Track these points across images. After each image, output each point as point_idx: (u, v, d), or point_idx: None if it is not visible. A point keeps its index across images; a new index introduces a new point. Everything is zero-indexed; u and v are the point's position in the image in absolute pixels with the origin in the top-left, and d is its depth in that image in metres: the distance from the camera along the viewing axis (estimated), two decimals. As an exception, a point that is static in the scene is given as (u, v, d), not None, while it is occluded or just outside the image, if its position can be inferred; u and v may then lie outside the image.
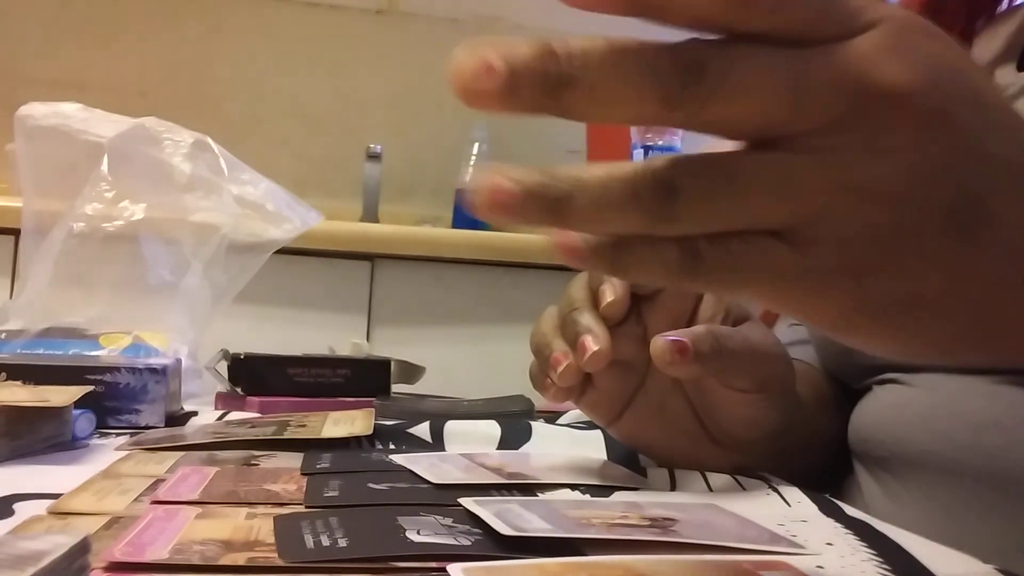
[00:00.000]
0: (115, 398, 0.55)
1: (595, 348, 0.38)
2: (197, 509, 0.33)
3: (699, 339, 0.38)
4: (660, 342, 0.37)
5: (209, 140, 0.87)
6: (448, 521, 0.32)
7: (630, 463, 0.46)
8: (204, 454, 0.45)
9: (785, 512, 0.37)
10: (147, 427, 0.55)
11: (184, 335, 0.76)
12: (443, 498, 0.35)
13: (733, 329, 0.41)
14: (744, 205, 0.22)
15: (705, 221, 0.23)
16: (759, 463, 0.44)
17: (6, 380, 0.53)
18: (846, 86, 0.22)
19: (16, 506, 0.34)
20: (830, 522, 0.35)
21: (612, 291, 0.39)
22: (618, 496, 0.39)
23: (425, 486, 0.38)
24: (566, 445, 0.51)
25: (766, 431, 0.43)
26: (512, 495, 0.37)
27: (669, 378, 0.43)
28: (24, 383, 0.51)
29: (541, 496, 0.38)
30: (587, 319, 0.39)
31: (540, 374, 0.42)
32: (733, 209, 0.22)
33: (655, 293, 0.43)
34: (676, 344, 0.37)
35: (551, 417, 0.63)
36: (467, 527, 0.31)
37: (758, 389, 0.42)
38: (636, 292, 0.42)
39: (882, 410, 0.49)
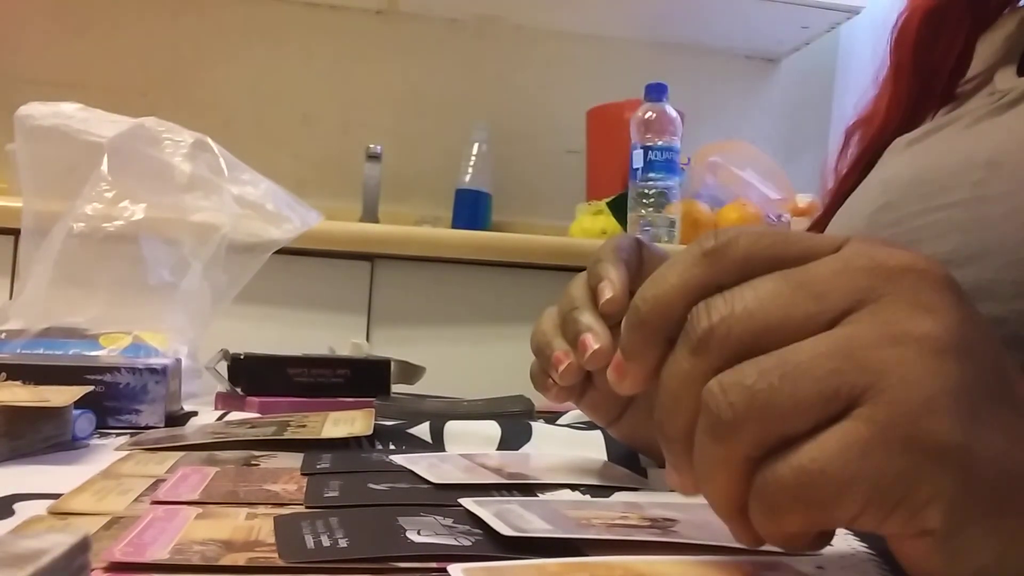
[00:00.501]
0: (115, 398, 0.55)
1: (596, 346, 0.38)
2: (197, 509, 0.33)
3: None
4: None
5: (209, 140, 0.87)
6: (448, 521, 0.32)
7: (630, 463, 0.46)
8: (204, 454, 0.45)
9: (785, 512, 0.37)
10: (147, 427, 0.55)
11: (184, 335, 0.76)
12: (443, 498, 0.35)
13: None
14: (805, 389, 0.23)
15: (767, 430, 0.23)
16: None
17: (6, 380, 0.53)
18: (859, 272, 0.24)
19: (16, 506, 0.34)
20: (830, 522, 0.35)
21: (611, 288, 0.39)
22: (618, 496, 0.39)
23: (425, 486, 0.38)
24: (566, 445, 0.51)
25: None
26: (512, 495, 0.37)
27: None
28: (24, 383, 0.51)
29: (541, 496, 0.38)
30: (587, 318, 0.39)
31: (541, 374, 0.42)
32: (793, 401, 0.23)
33: None
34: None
35: (551, 417, 0.63)
36: (467, 527, 0.31)
37: None
38: (634, 289, 0.42)
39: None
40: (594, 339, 0.38)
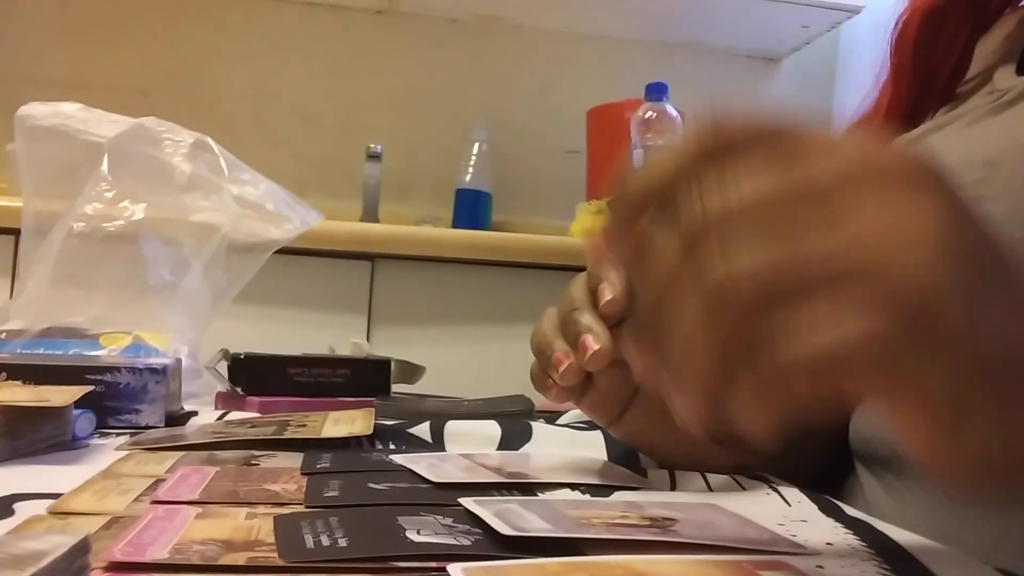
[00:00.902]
0: (115, 398, 0.55)
1: (596, 347, 0.38)
2: (197, 509, 0.33)
3: None
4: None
5: (209, 140, 0.87)
6: (448, 521, 0.32)
7: (630, 463, 0.46)
8: (204, 454, 0.45)
9: (785, 512, 0.37)
10: (147, 427, 0.55)
11: (184, 335, 0.76)
12: (443, 498, 0.35)
13: None
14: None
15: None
16: (760, 462, 0.44)
17: (6, 380, 0.53)
18: (858, 169, 0.25)
19: (16, 506, 0.34)
20: (830, 522, 0.35)
21: (611, 289, 0.39)
22: (618, 496, 0.39)
23: (425, 486, 0.38)
24: (566, 445, 0.51)
25: None
26: (512, 495, 0.37)
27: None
28: (24, 383, 0.51)
29: (541, 496, 0.38)
30: (587, 318, 0.39)
31: (542, 374, 0.42)
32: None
33: None
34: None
35: (551, 417, 0.63)
36: (467, 527, 0.31)
37: None
38: (635, 290, 0.42)
39: (884, 410, 0.49)
40: (595, 340, 0.38)
